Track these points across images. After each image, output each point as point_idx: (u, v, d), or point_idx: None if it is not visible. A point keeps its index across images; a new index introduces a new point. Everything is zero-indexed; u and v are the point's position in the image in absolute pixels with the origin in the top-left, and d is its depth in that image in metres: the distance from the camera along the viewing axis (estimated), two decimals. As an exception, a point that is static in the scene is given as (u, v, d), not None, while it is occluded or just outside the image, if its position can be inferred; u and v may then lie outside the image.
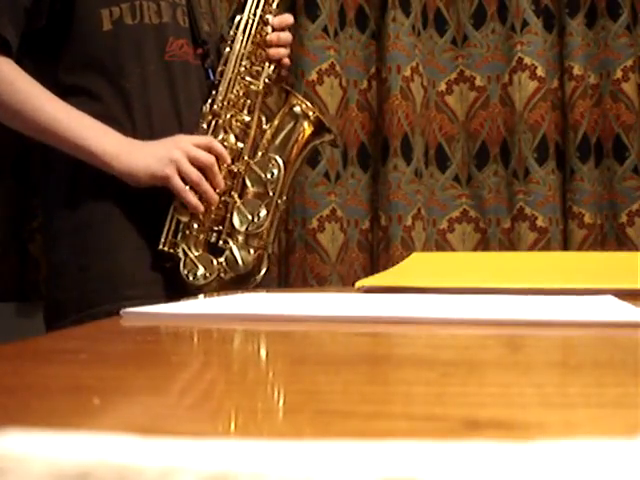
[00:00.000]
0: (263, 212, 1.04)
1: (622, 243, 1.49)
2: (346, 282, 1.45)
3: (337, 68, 1.47)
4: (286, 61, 1.12)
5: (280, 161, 1.06)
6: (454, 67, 1.56)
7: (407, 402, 0.24)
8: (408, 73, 1.47)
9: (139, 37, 1.03)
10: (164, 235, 1.01)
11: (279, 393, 0.27)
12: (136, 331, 0.46)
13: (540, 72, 1.48)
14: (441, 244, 1.54)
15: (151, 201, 1.00)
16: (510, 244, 1.50)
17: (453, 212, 1.54)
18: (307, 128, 1.09)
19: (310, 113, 1.09)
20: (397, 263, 1.09)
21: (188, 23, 1.09)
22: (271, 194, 1.05)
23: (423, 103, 1.50)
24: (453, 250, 1.53)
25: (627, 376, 0.28)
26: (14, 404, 0.24)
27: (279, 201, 1.07)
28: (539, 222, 1.47)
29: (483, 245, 1.53)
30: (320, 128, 1.10)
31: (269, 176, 1.05)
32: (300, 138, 1.09)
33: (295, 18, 1.46)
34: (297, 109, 1.09)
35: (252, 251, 1.04)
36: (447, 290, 0.69)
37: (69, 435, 0.17)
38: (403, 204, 1.46)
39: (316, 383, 0.29)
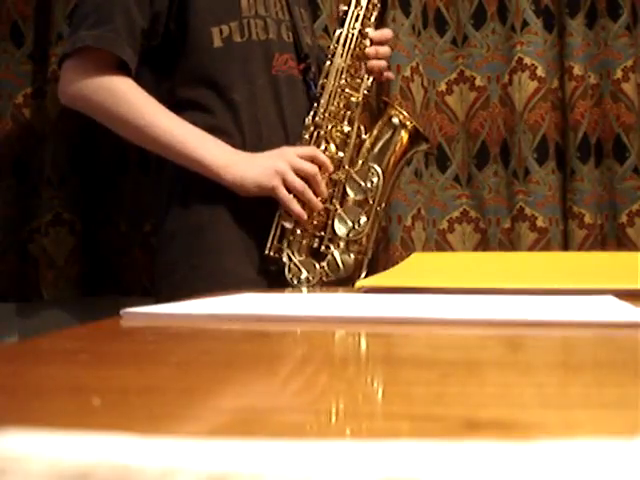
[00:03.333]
0: (363, 219, 1.09)
1: (622, 243, 1.48)
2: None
3: (337, 68, 1.47)
4: (385, 76, 1.19)
5: (379, 170, 1.11)
6: (454, 67, 1.56)
7: (407, 402, 0.24)
8: (408, 73, 1.47)
9: (247, 54, 1.10)
10: (270, 240, 1.07)
11: (279, 393, 0.27)
12: (136, 331, 0.46)
13: (540, 72, 1.48)
14: (441, 244, 1.53)
15: (258, 206, 1.06)
16: (510, 244, 1.50)
17: (453, 212, 1.54)
18: (404, 137, 1.13)
19: (407, 123, 1.13)
20: (397, 263, 1.09)
21: (292, 38, 1.15)
22: (371, 202, 1.10)
23: (423, 103, 1.50)
24: (453, 250, 1.53)
25: (627, 376, 0.28)
26: (14, 404, 0.24)
27: (378, 208, 1.12)
28: (539, 222, 1.47)
29: (483, 245, 1.53)
30: (417, 137, 1.14)
31: (369, 185, 1.10)
32: (398, 147, 1.13)
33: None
34: (395, 120, 1.13)
35: (352, 256, 1.09)
36: (447, 290, 0.69)
37: (69, 435, 0.17)
38: (403, 204, 1.46)
39: (316, 383, 0.29)
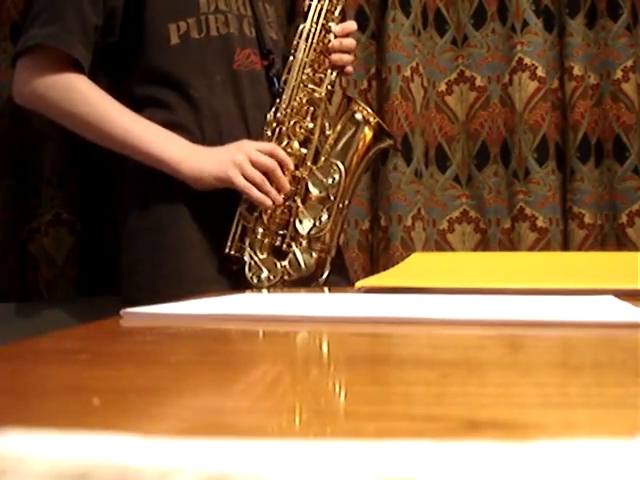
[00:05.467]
0: (325, 216, 1.08)
1: (622, 243, 1.48)
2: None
3: (337, 68, 1.46)
4: (349, 69, 1.16)
5: (341, 166, 1.09)
6: (454, 67, 1.56)
7: (407, 402, 0.24)
8: (408, 73, 1.47)
9: (205, 49, 1.08)
10: (230, 239, 1.05)
11: (279, 393, 0.27)
12: (136, 331, 0.46)
13: (540, 72, 1.48)
14: (441, 244, 1.53)
15: (218, 205, 1.05)
16: (510, 244, 1.50)
17: (453, 212, 1.54)
18: (368, 134, 1.12)
19: (371, 119, 1.12)
20: (397, 263, 1.09)
21: (255, 33, 1.14)
22: (332, 198, 1.09)
23: (423, 103, 1.50)
24: (453, 250, 1.53)
25: (627, 376, 0.28)
26: (14, 404, 0.24)
27: (340, 205, 1.10)
28: (539, 222, 1.47)
29: (483, 245, 1.53)
30: (380, 133, 1.13)
31: (330, 181, 1.09)
32: (361, 144, 1.12)
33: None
34: (358, 115, 1.12)
35: (314, 254, 1.08)
36: (447, 290, 0.69)
37: (69, 435, 0.17)
38: (403, 204, 1.46)
39: (316, 383, 0.29)
